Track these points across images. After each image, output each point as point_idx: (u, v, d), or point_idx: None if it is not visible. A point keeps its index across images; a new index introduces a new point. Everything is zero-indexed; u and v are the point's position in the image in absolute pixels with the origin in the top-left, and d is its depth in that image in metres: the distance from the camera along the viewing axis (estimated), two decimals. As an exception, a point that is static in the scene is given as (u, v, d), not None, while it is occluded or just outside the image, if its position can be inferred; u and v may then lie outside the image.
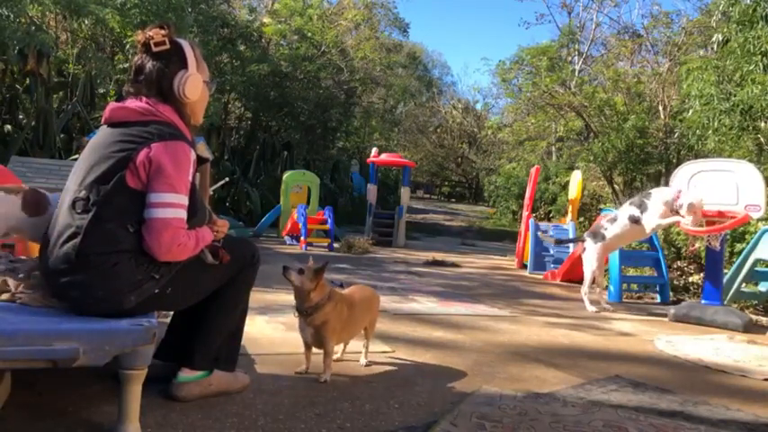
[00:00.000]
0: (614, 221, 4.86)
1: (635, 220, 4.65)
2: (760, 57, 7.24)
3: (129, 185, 1.72)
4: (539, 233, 7.42)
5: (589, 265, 4.94)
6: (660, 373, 2.90)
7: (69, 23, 12.13)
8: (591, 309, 4.76)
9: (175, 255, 1.77)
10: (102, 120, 1.88)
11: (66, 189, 1.82)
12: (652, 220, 4.53)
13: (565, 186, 13.80)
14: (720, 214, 4.41)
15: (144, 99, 1.84)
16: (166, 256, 1.76)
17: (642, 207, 4.62)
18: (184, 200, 1.78)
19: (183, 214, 1.78)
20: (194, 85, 1.90)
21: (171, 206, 1.73)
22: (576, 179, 9.50)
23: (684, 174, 4.69)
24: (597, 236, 4.95)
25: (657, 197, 4.55)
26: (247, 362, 2.50)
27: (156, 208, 1.72)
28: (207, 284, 1.99)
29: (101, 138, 1.83)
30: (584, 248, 5.07)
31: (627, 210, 4.78)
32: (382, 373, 2.54)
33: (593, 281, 4.93)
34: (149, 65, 1.87)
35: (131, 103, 1.84)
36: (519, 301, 5.09)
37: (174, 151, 1.76)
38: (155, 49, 1.85)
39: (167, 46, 1.86)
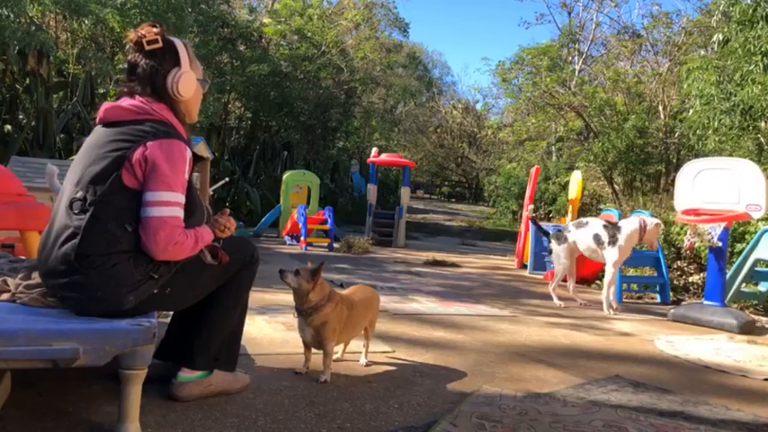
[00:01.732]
0: (580, 227, 4.95)
1: (599, 242, 4.75)
2: (760, 57, 7.24)
3: (125, 184, 1.71)
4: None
5: (557, 264, 5.09)
6: (660, 373, 2.90)
7: (69, 23, 12.11)
8: (558, 303, 4.91)
9: (172, 254, 1.77)
10: (97, 119, 1.87)
11: (62, 189, 1.82)
12: (614, 255, 4.66)
13: (565, 186, 13.80)
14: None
15: (138, 98, 1.84)
16: (163, 254, 1.75)
17: (612, 238, 4.69)
18: (181, 198, 1.77)
19: (180, 212, 1.77)
20: (188, 82, 1.90)
21: (167, 204, 1.73)
22: (575, 179, 9.49)
23: (688, 173, 4.71)
24: (560, 238, 5.05)
25: (626, 232, 4.65)
26: (247, 362, 2.50)
27: (151, 206, 1.72)
28: (206, 284, 1.98)
29: (95, 137, 1.83)
30: (551, 248, 5.23)
31: (597, 227, 4.82)
32: (382, 373, 2.54)
33: (565, 278, 5.13)
34: (142, 63, 1.86)
35: (125, 101, 1.84)
36: (519, 301, 5.09)
37: (170, 149, 1.75)
38: (147, 48, 1.85)
39: (160, 44, 1.86)
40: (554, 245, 5.10)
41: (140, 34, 1.86)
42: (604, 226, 4.80)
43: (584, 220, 5.08)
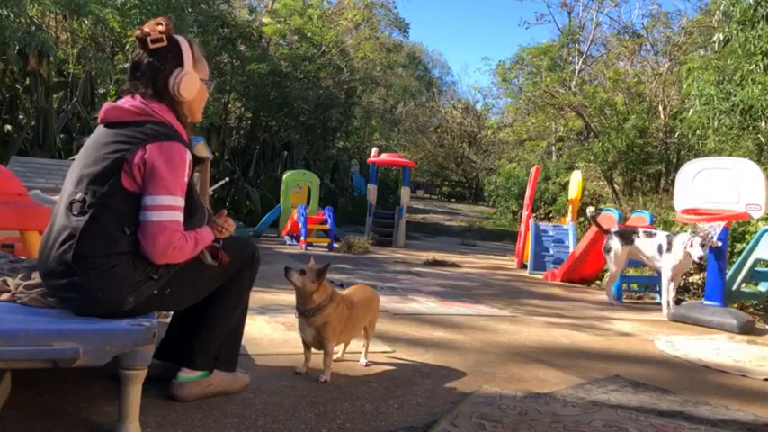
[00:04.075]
0: (649, 236, 5.02)
1: (660, 251, 4.88)
2: (760, 57, 7.23)
3: (125, 187, 1.71)
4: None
5: (614, 263, 5.24)
6: (660, 373, 2.90)
7: (69, 23, 12.12)
8: (612, 301, 5.21)
9: (172, 258, 1.76)
10: (98, 120, 1.86)
11: (63, 190, 1.81)
12: (669, 263, 4.75)
13: (565, 186, 13.79)
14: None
15: (139, 98, 1.82)
16: (162, 259, 1.75)
17: (669, 245, 4.79)
18: (180, 202, 1.76)
19: (179, 217, 1.77)
20: (189, 84, 1.88)
21: (166, 209, 1.72)
22: (575, 179, 9.50)
23: (688, 173, 4.71)
24: (626, 240, 5.14)
25: (676, 245, 4.72)
26: (247, 362, 2.50)
27: (150, 211, 1.71)
28: (206, 284, 1.98)
29: (96, 138, 1.82)
30: (610, 246, 5.27)
31: (662, 239, 4.91)
32: (382, 373, 2.54)
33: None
34: (145, 62, 1.85)
35: (126, 102, 1.82)
36: (519, 301, 5.09)
37: (169, 152, 1.74)
38: (152, 46, 1.83)
39: (164, 43, 1.84)
40: (616, 244, 5.19)
41: (145, 32, 1.84)
42: (667, 236, 4.92)
43: (652, 230, 5.16)
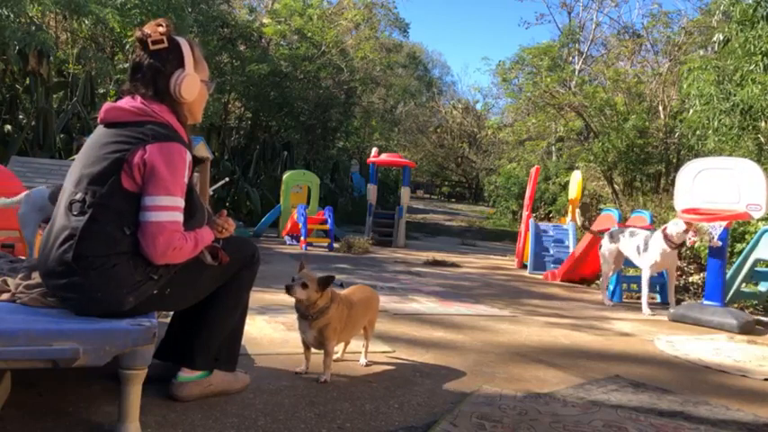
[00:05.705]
0: (632, 236, 5.08)
1: (638, 251, 4.98)
2: (760, 56, 7.23)
3: (124, 187, 1.70)
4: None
5: (604, 262, 5.32)
6: (660, 373, 2.90)
7: (69, 23, 12.12)
8: (607, 302, 5.23)
9: (171, 258, 1.76)
10: (98, 120, 1.86)
11: (63, 189, 1.81)
12: (646, 263, 4.86)
13: (565, 186, 13.79)
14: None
15: (139, 99, 1.82)
16: (162, 259, 1.75)
17: (646, 246, 4.87)
18: (180, 202, 1.76)
19: (179, 217, 1.77)
20: (190, 85, 1.88)
21: (166, 209, 1.72)
22: (575, 179, 9.50)
23: (688, 173, 4.71)
24: (614, 238, 5.24)
25: (657, 242, 4.77)
26: (247, 362, 2.50)
27: (150, 211, 1.71)
28: (206, 284, 1.98)
29: (96, 138, 1.82)
30: (601, 245, 5.42)
31: (641, 238, 4.98)
32: (382, 373, 2.54)
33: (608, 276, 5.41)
34: (146, 63, 1.85)
35: (126, 103, 1.83)
36: (519, 301, 5.09)
37: (169, 153, 1.74)
38: (152, 48, 1.84)
39: (165, 44, 1.85)
40: (606, 243, 5.30)
41: (146, 33, 1.84)
42: (645, 237, 4.98)
43: (635, 230, 5.20)
